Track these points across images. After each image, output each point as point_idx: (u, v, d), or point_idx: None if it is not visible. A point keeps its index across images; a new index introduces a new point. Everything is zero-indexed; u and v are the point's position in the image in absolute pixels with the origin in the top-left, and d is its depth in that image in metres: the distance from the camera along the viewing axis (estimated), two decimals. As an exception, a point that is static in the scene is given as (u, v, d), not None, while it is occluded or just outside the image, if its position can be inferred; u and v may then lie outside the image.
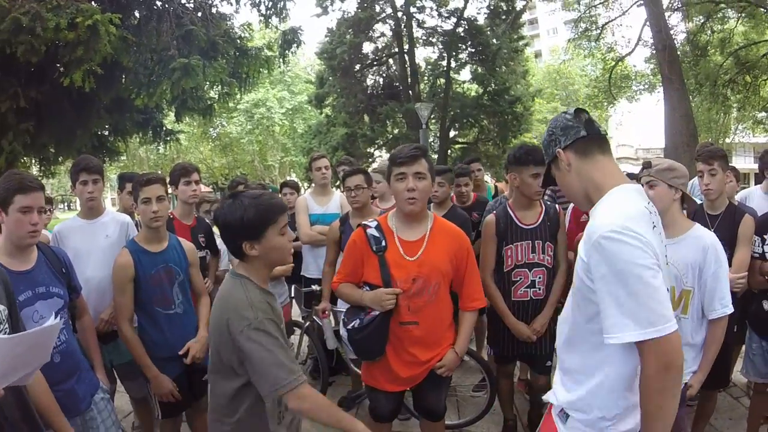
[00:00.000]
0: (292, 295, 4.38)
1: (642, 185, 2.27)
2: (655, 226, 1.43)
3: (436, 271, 2.45)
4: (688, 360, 2.29)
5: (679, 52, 15.23)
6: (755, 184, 4.97)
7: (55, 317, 2.16)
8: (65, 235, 3.04)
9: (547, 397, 1.72)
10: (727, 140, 29.87)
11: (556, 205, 3.52)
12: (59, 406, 1.94)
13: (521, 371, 4.22)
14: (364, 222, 2.59)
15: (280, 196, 4.83)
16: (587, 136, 1.54)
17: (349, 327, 2.49)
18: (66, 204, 29.96)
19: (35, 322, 2.08)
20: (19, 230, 2.09)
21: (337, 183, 4.65)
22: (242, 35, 9.01)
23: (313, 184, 4.65)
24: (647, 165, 2.39)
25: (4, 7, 5.75)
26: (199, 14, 8.49)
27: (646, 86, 20.36)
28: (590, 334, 1.48)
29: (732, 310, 2.27)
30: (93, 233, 3.07)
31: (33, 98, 6.94)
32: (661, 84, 14.92)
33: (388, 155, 22.86)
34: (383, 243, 2.45)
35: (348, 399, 4.12)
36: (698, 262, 2.27)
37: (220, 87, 8.98)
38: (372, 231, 2.49)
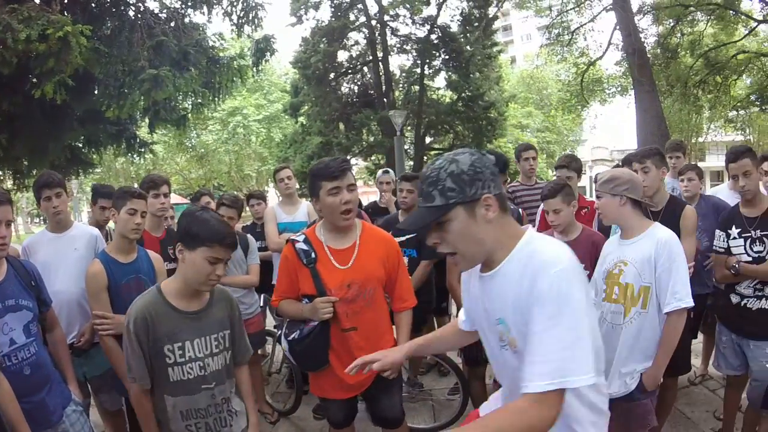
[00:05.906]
0: (261, 304, 4.32)
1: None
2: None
3: (371, 276, 2.46)
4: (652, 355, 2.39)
5: (649, 55, 15.64)
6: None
7: (25, 330, 2.17)
8: (34, 249, 3.03)
9: None
10: (700, 139, 30.63)
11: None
12: (30, 418, 1.94)
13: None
14: (292, 237, 2.59)
15: (247, 207, 4.81)
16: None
17: (290, 338, 2.50)
18: (41, 218, 29.46)
19: (5, 334, 2.08)
20: None
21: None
22: (214, 45, 8.92)
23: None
24: (594, 180, 2.49)
25: (-25, 19, 5.65)
26: (172, 24, 8.41)
27: (618, 89, 20.77)
28: None
29: (691, 303, 2.30)
30: (62, 246, 3.05)
31: (5, 110, 6.86)
32: (632, 87, 15.28)
33: (364, 163, 22.74)
34: (313, 255, 2.45)
35: (322, 407, 4.11)
36: (652, 257, 2.34)
37: (192, 97, 8.88)
38: (300, 245, 2.48)
